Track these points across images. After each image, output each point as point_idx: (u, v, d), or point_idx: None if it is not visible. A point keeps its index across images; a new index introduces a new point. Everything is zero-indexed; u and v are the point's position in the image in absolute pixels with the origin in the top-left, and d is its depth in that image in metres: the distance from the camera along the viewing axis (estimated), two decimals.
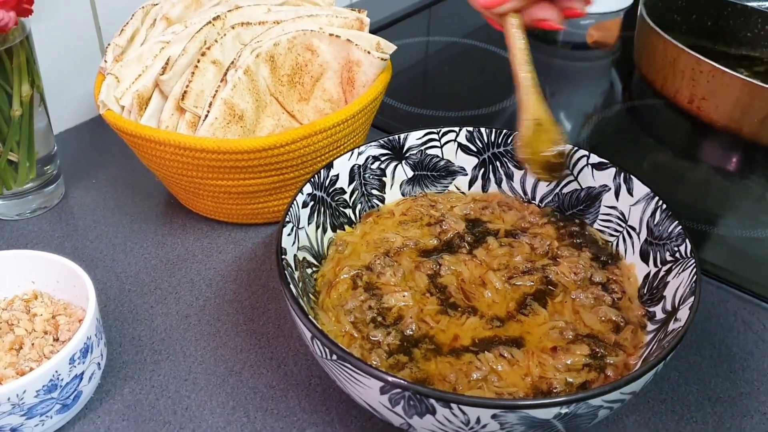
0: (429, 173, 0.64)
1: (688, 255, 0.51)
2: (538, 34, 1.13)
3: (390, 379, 0.41)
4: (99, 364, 0.52)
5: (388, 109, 0.90)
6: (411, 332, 0.51)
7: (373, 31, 1.05)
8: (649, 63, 0.59)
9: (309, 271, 0.55)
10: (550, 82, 1.00)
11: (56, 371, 0.48)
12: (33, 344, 0.53)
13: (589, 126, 0.90)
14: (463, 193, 0.65)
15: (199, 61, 0.62)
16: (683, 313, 0.47)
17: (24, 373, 0.49)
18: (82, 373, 0.50)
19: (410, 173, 0.64)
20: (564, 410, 0.41)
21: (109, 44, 0.67)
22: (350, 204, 0.61)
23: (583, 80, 1.04)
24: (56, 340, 0.53)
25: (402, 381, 0.41)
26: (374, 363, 0.49)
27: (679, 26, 0.68)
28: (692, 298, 0.47)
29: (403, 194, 0.64)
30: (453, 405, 0.40)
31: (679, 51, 0.57)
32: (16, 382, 0.46)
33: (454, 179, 0.65)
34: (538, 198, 0.63)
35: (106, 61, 0.66)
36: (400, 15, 1.13)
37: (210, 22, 0.65)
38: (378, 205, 0.63)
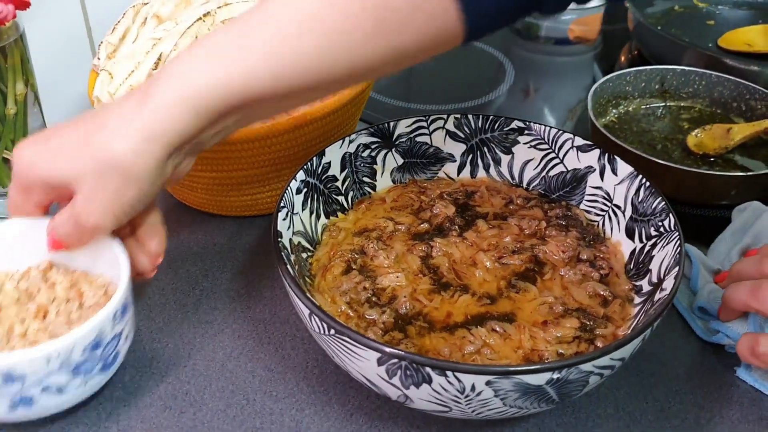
0: (418, 160, 0.66)
1: (672, 228, 0.52)
2: (520, 29, 1.15)
3: (387, 349, 0.43)
4: (131, 325, 0.52)
5: (376, 104, 0.91)
6: (405, 310, 0.53)
7: None
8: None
9: (304, 255, 0.57)
10: (533, 77, 1.01)
11: (100, 328, 0.48)
12: (58, 311, 0.52)
13: (573, 120, 0.91)
14: (452, 179, 0.66)
15: None
16: (669, 283, 0.49)
17: (58, 336, 0.48)
18: (121, 332, 0.50)
19: (400, 161, 0.65)
20: (556, 375, 0.42)
21: (101, 42, 0.68)
22: (342, 191, 0.62)
23: (566, 75, 1.06)
24: (81, 306, 0.53)
25: (398, 351, 0.42)
26: None
27: (631, 94, 0.84)
28: (677, 268, 0.49)
29: (393, 181, 0.65)
30: (448, 372, 0.42)
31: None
32: (65, 337, 0.45)
33: (443, 166, 0.66)
34: (525, 182, 0.65)
35: (99, 59, 0.67)
36: None
37: (200, 18, 0.66)
38: (369, 193, 0.64)
